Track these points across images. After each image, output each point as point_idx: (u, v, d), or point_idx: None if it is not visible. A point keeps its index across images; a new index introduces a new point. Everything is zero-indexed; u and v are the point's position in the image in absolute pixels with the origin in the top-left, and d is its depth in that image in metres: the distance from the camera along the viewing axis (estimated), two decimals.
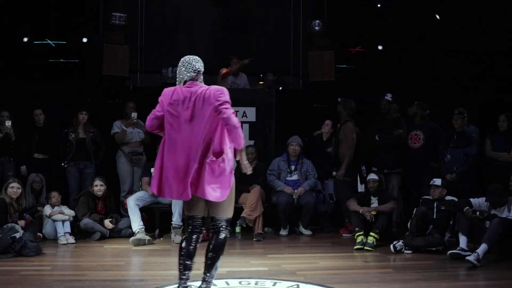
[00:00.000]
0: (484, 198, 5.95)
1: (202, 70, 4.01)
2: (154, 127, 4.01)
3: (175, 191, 3.85)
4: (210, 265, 3.91)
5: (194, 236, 3.94)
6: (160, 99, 3.97)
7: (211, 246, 3.92)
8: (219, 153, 3.84)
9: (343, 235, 7.11)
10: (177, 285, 4.02)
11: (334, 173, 7.23)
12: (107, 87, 8.46)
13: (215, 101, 3.81)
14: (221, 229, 3.93)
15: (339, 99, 7.42)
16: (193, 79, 3.95)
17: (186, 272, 3.92)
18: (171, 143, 3.87)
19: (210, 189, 3.78)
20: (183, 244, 3.92)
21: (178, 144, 3.84)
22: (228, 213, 3.97)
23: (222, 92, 3.85)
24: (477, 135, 6.97)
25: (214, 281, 4.53)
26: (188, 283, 3.98)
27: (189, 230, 3.97)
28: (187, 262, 3.91)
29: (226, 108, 3.79)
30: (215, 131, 3.83)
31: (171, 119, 3.88)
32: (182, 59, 4.02)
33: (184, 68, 3.97)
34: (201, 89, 3.89)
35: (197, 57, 4.03)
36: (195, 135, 3.82)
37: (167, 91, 3.97)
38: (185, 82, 3.95)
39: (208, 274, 3.92)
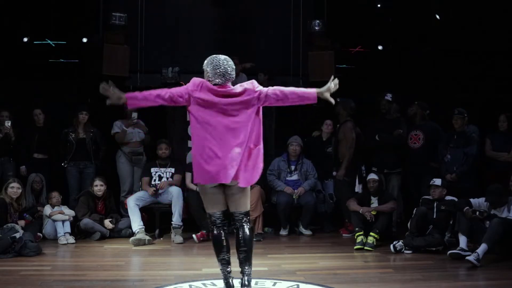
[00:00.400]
0: (484, 198, 5.94)
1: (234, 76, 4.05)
2: (157, 100, 3.95)
3: (214, 175, 3.86)
4: (246, 258, 3.98)
5: (223, 231, 4.05)
6: (188, 86, 3.93)
7: (241, 241, 4.00)
8: (256, 144, 3.96)
9: (343, 235, 7.11)
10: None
11: (334, 173, 7.23)
12: None
13: (253, 93, 3.91)
14: (243, 223, 4.03)
15: (338, 99, 7.42)
16: (224, 83, 3.96)
17: (229, 266, 4.05)
18: (207, 133, 3.87)
19: (243, 175, 3.89)
20: (217, 241, 4.04)
21: (216, 136, 3.85)
22: (247, 206, 4.08)
23: (253, 82, 4.00)
24: (477, 135, 6.97)
25: (214, 281, 4.54)
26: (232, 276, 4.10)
27: (216, 226, 4.05)
28: (226, 257, 4.03)
29: (268, 89, 3.94)
30: (254, 127, 3.92)
31: (204, 110, 3.88)
32: (215, 61, 3.96)
33: (218, 71, 3.93)
34: (233, 87, 3.95)
35: (230, 62, 4.00)
36: (235, 131, 3.86)
37: (197, 81, 3.94)
38: (215, 84, 3.95)
39: (246, 268, 3.99)
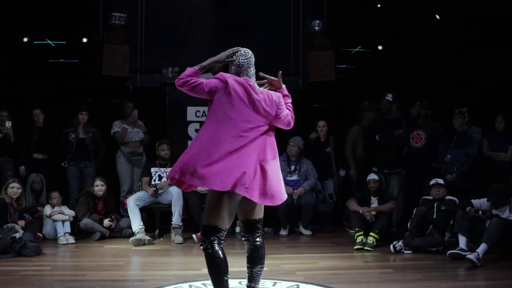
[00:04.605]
0: (485, 199, 5.96)
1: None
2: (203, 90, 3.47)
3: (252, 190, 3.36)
4: (260, 275, 3.65)
5: (222, 247, 3.45)
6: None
7: (262, 255, 3.62)
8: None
9: (348, 230, 7.12)
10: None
11: (342, 173, 7.57)
12: (107, 87, 8.45)
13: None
14: (260, 233, 3.66)
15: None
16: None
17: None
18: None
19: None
20: (219, 260, 3.37)
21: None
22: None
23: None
24: (478, 136, 6.98)
25: None
26: None
27: (218, 242, 3.40)
28: (227, 278, 3.44)
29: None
30: None
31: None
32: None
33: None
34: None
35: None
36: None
37: None
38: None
39: (257, 285, 3.62)
